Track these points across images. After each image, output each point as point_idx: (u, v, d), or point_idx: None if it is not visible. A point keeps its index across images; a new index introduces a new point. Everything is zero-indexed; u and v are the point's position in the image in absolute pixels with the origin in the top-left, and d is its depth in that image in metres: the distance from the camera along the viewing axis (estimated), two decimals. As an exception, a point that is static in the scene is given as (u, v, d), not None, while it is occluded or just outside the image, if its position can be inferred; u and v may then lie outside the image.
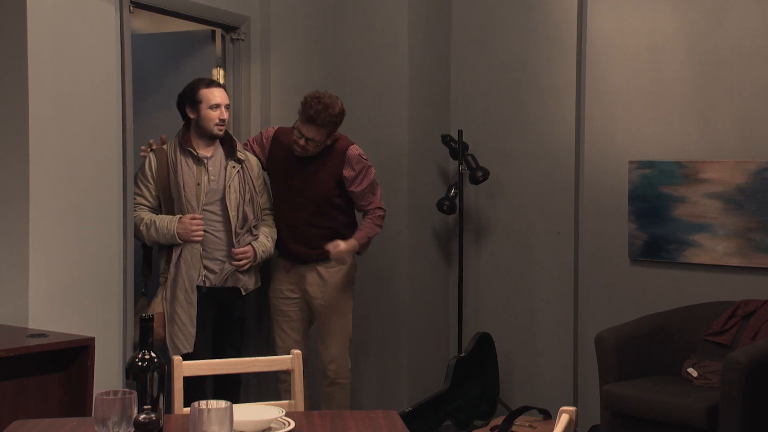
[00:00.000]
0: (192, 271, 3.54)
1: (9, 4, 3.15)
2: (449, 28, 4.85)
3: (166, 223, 3.53)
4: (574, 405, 4.40)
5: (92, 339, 2.96)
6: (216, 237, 3.62)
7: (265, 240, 3.78)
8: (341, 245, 3.78)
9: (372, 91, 4.58)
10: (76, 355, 2.92)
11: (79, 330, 3.24)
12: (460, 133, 4.58)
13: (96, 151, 3.38)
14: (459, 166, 4.56)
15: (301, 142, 3.72)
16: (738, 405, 3.35)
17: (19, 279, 3.14)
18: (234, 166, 3.66)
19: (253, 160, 3.80)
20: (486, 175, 4.52)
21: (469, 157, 4.55)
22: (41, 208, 3.17)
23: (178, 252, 3.54)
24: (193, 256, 3.55)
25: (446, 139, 4.58)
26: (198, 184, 3.58)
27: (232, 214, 3.61)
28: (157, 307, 3.56)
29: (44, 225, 3.18)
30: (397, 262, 4.55)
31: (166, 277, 3.57)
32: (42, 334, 2.94)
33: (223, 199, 3.61)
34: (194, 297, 3.55)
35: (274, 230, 3.86)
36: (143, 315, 1.92)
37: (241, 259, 3.65)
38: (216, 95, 3.60)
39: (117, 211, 3.47)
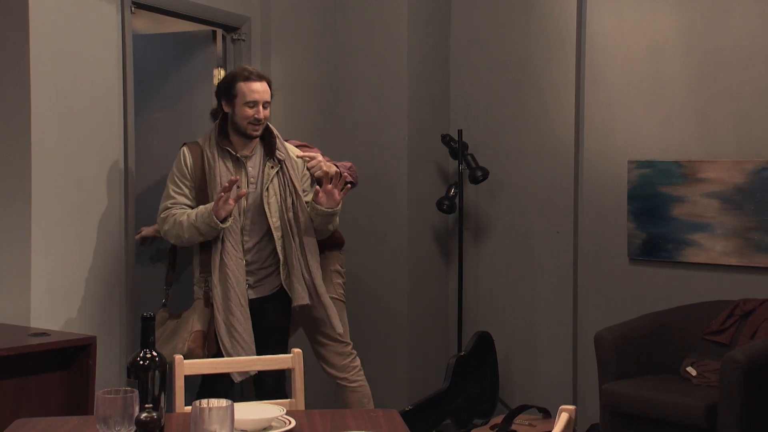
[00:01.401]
0: (242, 284, 3.20)
1: (11, 4, 3.17)
2: (449, 28, 4.86)
3: (204, 206, 3.16)
4: (573, 404, 4.41)
5: (93, 338, 2.96)
6: (257, 246, 3.29)
7: None
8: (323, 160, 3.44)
9: (372, 91, 4.59)
10: (77, 354, 2.92)
11: (80, 329, 3.26)
12: (460, 132, 4.59)
13: (97, 151, 3.40)
14: (459, 166, 4.57)
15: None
16: (736, 403, 3.36)
17: (21, 278, 3.16)
18: (273, 167, 3.29)
19: (297, 158, 3.43)
20: (486, 174, 4.53)
21: (469, 157, 4.56)
22: (43, 207, 3.18)
23: (220, 265, 3.18)
24: (239, 266, 3.20)
25: (446, 139, 4.59)
26: (238, 187, 3.19)
27: (272, 220, 3.25)
28: (195, 324, 3.21)
29: (46, 224, 3.20)
30: (397, 261, 4.56)
31: (207, 292, 3.22)
32: (43, 333, 2.95)
33: (262, 205, 3.26)
34: (247, 311, 3.21)
35: None
36: (144, 314, 1.92)
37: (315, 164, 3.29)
38: (254, 90, 3.23)
39: (118, 210, 3.48)
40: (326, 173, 3.39)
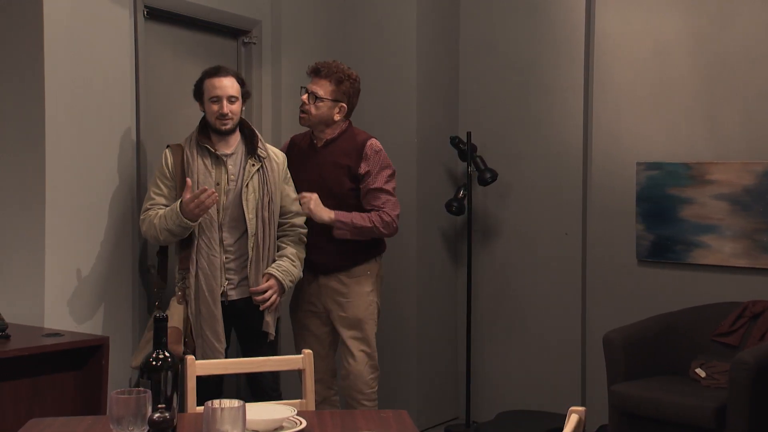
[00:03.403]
0: (211, 281, 3.22)
1: (25, 8, 3.20)
2: (458, 31, 4.87)
3: (170, 207, 3.20)
4: (581, 405, 4.42)
5: (106, 338, 2.99)
6: (238, 243, 3.31)
7: (289, 265, 3.38)
8: (314, 200, 3.41)
9: (381, 93, 4.61)
10: (90, 355, 2.95)
11: (93, 330, 3.30)
12: (469, 135, 4.60)
13: (110, 153, 3.43)
14: (467, 168, 4.59)
15: (304, 98, 3.44)
16: (745, 405, 3.36)
17: (35, 279, 3.19)
18: (253, 164, 3.32)
19: (280, 157, 3.45)
20: (494, 176, 4.54)
21: (478, 159, 4.58)
22: (57, 209, 3.22)
23: (194, 262, 3.23)
24: (211, 264, 3.22)
25: (455, 141, 4.61)
26: (218, 184, 3.25)
27: (249, 216, 3.28)
28: (172, 321, 3.20)
29: (59, 226, 3.23)
30: (406, 263, 4.57)
31: (183, 291, 3.26)
32: (57, 334, 2.98)
33: (241, 201, 3.29)
34: (217, 310, 3.22)
35: (303, 248, 3.47)
36: (156, 315, 1.94)
37: (265, 300, 3.30)
38: (216, 86, 3.25)
39: (131, 212, 3.51)
40: (310, 212, 3.42)
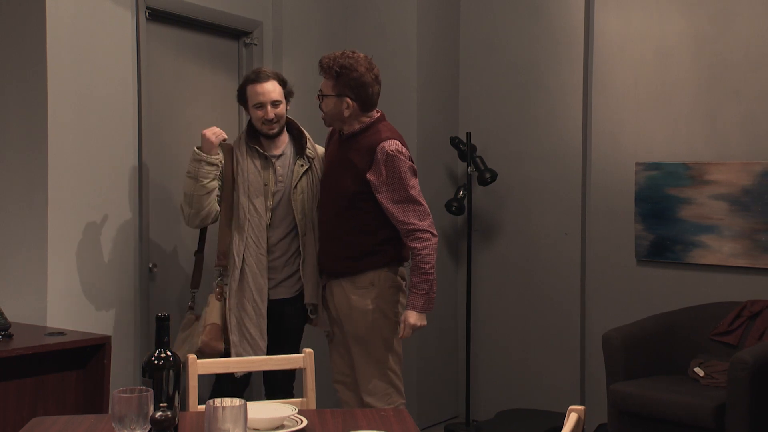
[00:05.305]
0: (260, 279, 3.21)
1: (29, 10, 3.22)
2: (458, 32, 4.89)
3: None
4: (581, 404, 4.43)
5: (108, 337, 3.00)
6: (281, 243, 3.28)
7: None
8: (406, 330, 3.18)
9: (382, 94, 4.59)
10: (93, 354, 2.97)
11: (95, 329, 3.31)
12: (469, 135, 4.62)
13: (113, 153, 3.45)
14: (467, 168, 4.60)
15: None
16: (744, 404, 3.38)
17: (38, 278, 3.21)
18: (302, 165, 3.30)
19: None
20: (494, 176, 4.56)
21: (478, 159, 4.59)
22: (59, 208, 3.24)
23: (242, 259, 3.20)
24: (259, 262, 3.21)
25: (455, 141, 4.63)
26: (265, 185, 3.25)
27: (299, 217, 3.26)
28: (210, 317, 3.21)
29: (62, 226, 3.25)
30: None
31: (224, 285, 3.24)
32: (60, 333, 3.00)
33: (290, 202, 3.27)
34: (264, 308, 3.21)
35: None
36: (159, 314, 1.95)
37: None
38: (259, 92, 3.23)
39: (133, 212, 3.53)
40: None
